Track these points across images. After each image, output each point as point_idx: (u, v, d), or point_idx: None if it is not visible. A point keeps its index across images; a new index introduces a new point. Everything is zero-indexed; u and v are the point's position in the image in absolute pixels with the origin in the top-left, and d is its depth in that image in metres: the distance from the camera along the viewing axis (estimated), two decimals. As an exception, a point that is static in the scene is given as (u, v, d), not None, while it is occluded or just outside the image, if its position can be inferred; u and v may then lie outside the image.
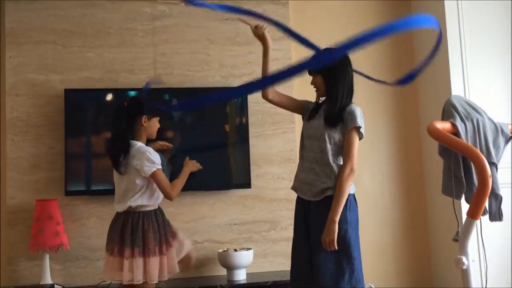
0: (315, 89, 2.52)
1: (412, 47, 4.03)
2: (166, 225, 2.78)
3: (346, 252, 2.33)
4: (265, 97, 2.55)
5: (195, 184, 3.54)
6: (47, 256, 3.28)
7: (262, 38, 2.49)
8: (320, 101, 2.55)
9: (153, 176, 2.69)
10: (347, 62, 2.48)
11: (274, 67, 3.70)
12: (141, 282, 2.64)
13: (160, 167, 2.72)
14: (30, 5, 3.51)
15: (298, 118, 2.69)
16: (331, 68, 2.43)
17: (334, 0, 3.97)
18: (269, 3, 3.78)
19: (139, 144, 2.75)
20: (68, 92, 3.44)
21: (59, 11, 3.56)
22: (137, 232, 2.67)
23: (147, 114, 2.79)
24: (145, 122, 2.78)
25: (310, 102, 2.60)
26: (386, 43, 4.00)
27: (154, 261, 2.67)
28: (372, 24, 3.98)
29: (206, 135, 3.59)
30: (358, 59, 3.91)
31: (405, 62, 3.98)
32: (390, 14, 4.01)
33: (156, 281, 2.70)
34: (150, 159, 2.68)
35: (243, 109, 3.61)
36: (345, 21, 3.96)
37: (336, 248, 2.28)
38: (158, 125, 2.85)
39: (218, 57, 3.71)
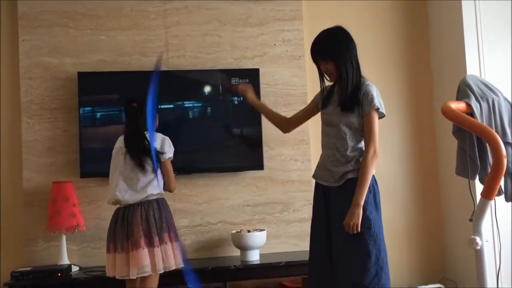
0: (328, 76, 2.43)
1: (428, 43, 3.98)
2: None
3: (372, 234, 2.29)
4: (287, 132, 2.69)
5: (208, 166, 3.58)
6: (64, 237, 3.33)
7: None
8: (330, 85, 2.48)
9: (166, 163, 2.76)
10: (349, 38, 2.40)
11: (288, 47, 3.68)
12: (172, 269, 2.67)
13: (172, 157, 2.80)
14: (42, -12, 3.52)
15: (310, 99, 2.66)
16: (338, 49, 2.36)
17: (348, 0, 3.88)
18: (282, 2, 3.73)
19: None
20: (81, 75, 3.46)
21: (71, -7, 3.56)
22: (161, 219, 2.70)
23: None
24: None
25: (319, 93, 2.54)
26: (401, 38, 3.95)
27: (177, 246, 2.73)
28: (387, 23, 3.91)
29: (218, 117, 3.59)
30: (371, 54, 3.81)
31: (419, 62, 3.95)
32: (405, 13, 3.92)
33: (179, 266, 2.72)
34: (170, 144, 2.80)
35: (256, 91, 3.58)
36: (359, 20, 3.87)
37: (360, 231, 2.24)
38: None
39: (230, 39, 3.69)
